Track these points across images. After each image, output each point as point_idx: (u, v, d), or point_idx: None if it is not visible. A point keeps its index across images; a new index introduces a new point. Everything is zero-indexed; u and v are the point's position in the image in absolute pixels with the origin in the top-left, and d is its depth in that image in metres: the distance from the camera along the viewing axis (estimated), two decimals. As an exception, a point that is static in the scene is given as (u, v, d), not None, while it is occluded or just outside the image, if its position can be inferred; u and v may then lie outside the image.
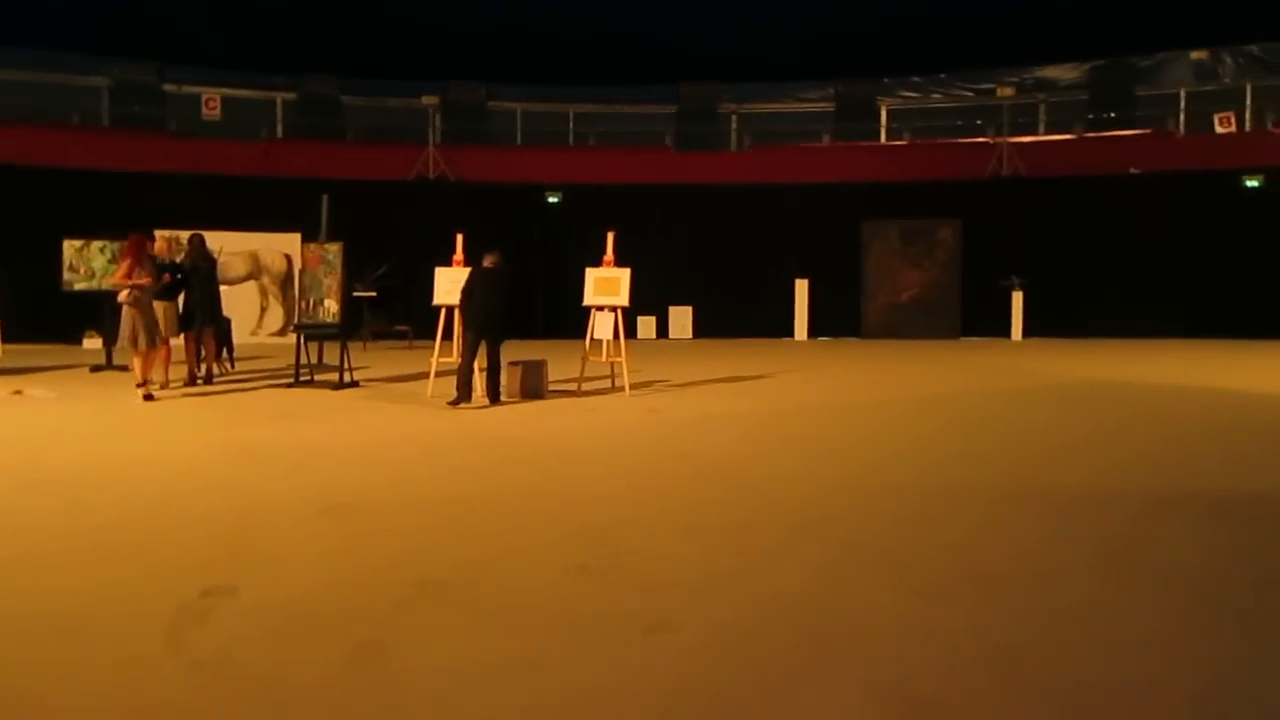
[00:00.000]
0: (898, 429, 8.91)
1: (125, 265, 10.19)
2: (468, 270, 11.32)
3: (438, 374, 11.44)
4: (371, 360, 15.27)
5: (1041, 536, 5.32)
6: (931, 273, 20.90)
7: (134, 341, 10.07)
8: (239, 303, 18.35)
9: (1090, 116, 22.38)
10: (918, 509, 5.88)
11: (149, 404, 10.19)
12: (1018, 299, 20.47)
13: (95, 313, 14.70)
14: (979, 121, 22.97)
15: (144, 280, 10.15)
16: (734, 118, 23.66)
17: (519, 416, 9.77)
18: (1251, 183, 19.88)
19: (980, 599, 4.33)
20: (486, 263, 10.39)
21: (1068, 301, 20.56)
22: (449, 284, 11.30)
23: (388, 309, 19.07)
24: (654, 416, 9.72)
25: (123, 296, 10.14)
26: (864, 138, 23.13)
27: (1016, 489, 6.48)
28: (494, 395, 10.25)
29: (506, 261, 10.50)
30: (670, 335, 21.02)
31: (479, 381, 10.41)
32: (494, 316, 10.14)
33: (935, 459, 7.46)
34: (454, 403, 9.97)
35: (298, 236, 17.55)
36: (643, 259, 17.74)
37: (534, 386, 10.97)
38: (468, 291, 10.16)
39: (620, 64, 23.94)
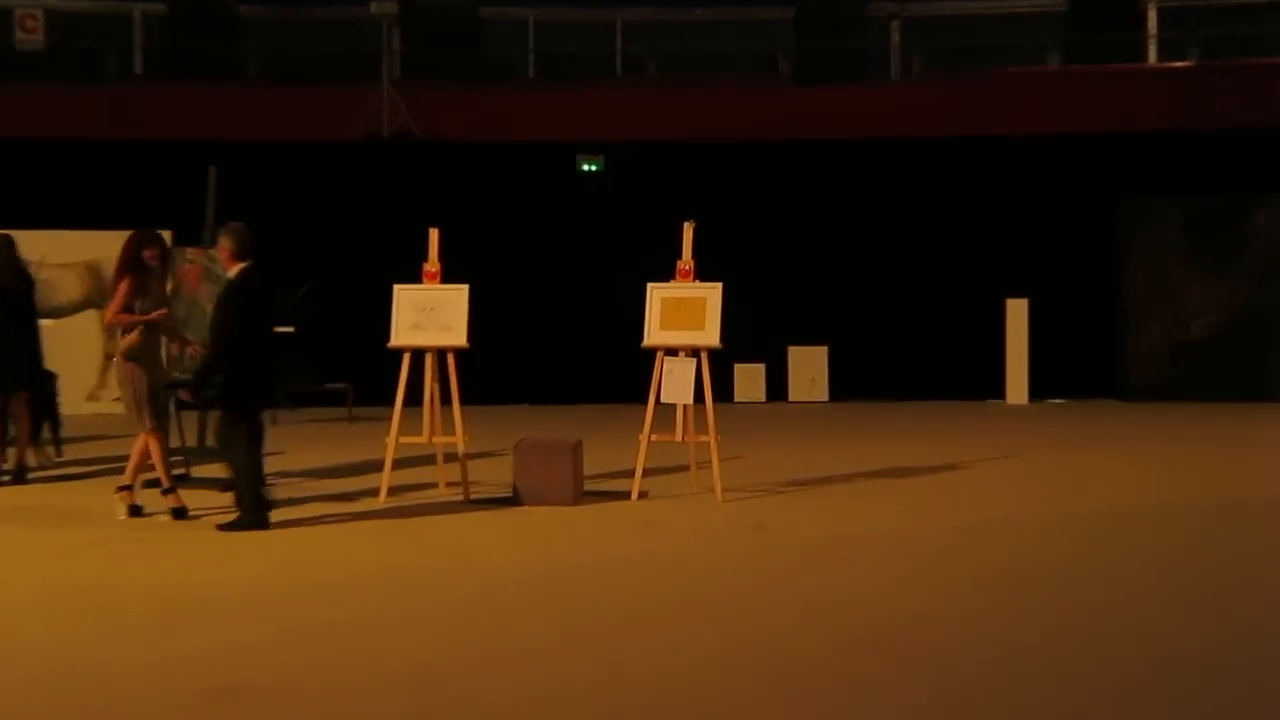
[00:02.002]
0: (1214, 560, 8.80)
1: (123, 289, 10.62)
2: (441, 290, 11.53)
3: (395, 464, 11.59)
4: (289, 440, 15.46)
5: None
6: (1242, 287, 20.66)
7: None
8: (70, 346, 18.67)
9: None
10: None
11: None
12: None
13: None
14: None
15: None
16: (894, 28, 23.70)
17: (531, 536, 9.84)
18: None
19: None
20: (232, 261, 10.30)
21: None
22: (415, 312, 11.50)
23: (312, 355, 19.33)
24: (760, 538, 9.73)
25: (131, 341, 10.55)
26: (1120, 58, 23.05)
27: None
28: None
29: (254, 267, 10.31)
30: (790, 396, 21.05)
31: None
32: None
33: None
34: (243, 524, 10.00)
35: (166, 236, 17.84)
36: (741, 268, 17.81)
37: (558, 483, 11.05)
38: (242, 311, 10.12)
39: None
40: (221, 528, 9.90)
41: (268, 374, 10.13)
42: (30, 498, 11.76)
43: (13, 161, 20.02)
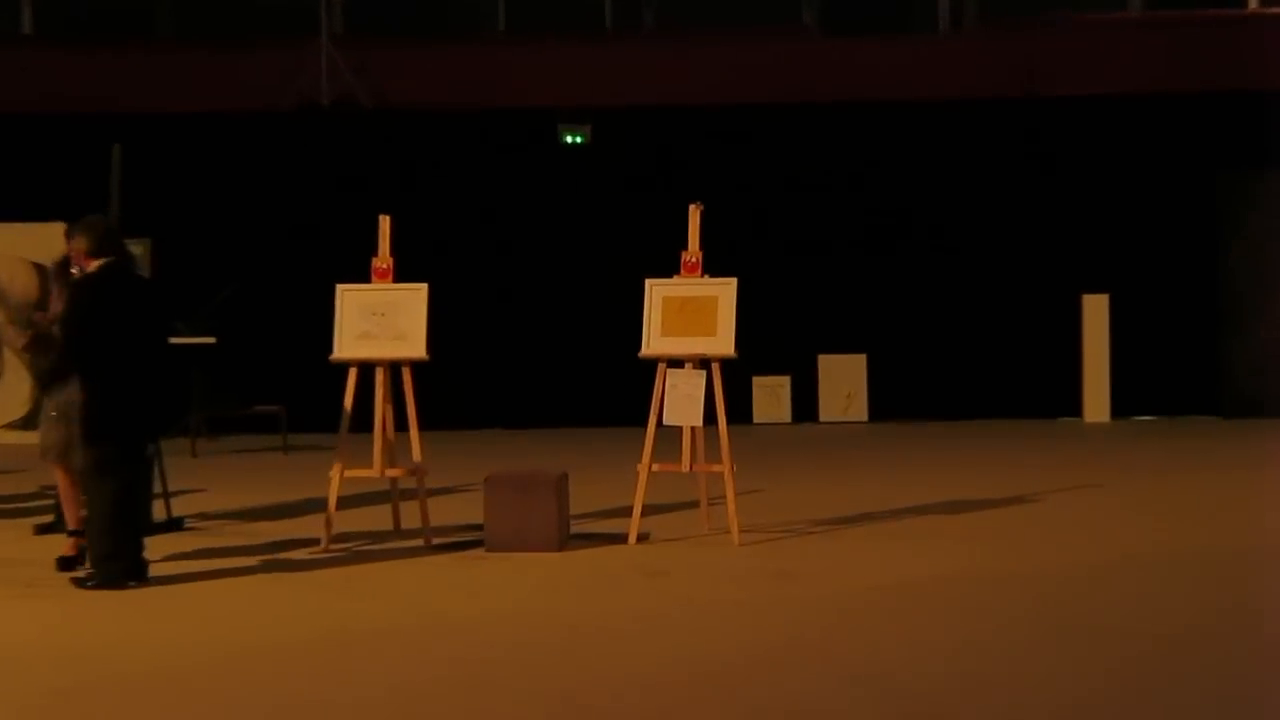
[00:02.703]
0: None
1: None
2: (394, 290, 11.48)
3: (340, 502, 11.53)
4: (210, 475, 15.41)
5: None
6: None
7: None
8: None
9: None
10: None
11: None
12: None
13: None
14: None
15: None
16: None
17: (506, 591, 9.79)
18: None
19: None
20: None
21: None
22: (364, 318, 11.46)
23: (237, 372, 19.30)
24: (787, 590, 9.67)
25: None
26: (1216, 2, 23.00)
27: None
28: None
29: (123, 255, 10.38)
30: (822, 416, 21.05)
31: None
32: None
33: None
34: (90, 580, 9.93)
35: (58, 229, 17.71)
36: (760, 261, 17.74)
37: (539, 525, 10.99)
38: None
39: None
40: (75, 582, 9.90)
41: (145, 395, 9.99)
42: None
43: None
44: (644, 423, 11.37)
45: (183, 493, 13.48)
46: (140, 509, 10.42)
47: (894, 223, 21.06)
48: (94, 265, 9.99)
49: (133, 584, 9.76)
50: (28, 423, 17.95)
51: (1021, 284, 20.84)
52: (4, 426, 19.69)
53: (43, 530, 11.82)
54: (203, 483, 14.55)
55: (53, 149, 19.51)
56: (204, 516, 12.75)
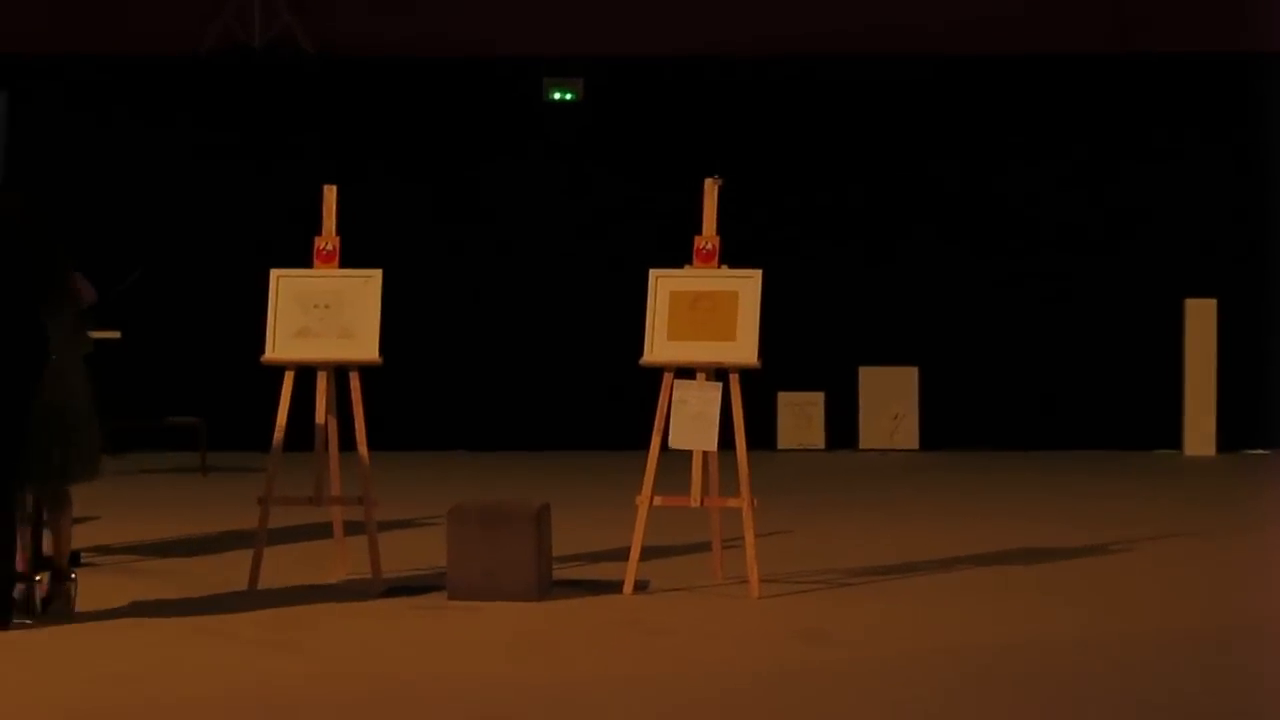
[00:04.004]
0: None
1: None
2: (340, 278, 11.48)
3: (270, 536, 11.52)
4: (113, 499, 15.34)
5: None
6: None
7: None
8: None
9: None
10: None
11: None
12: None
13: None
14: None
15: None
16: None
17: (472, 649, 9.80)
18: None
19: None
20: None
21: None
22: (303, 310, 11.51)
23: (145, 374, 19.29)
24: (816, 655, 9.67)
25: None
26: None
27: None
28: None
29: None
30: (862, 442, 21.14)
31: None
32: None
33: None
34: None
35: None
36: (790, 251, 17.74)
37: (514, 568, 10.97)
38: None
39: None
40: None
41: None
42: None
43: None
44: (644, 446, 11.35)
45: (80, 520, 13.42)
46: None
47: (955, 207, 21.13)
48: None
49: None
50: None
51: (1109, 284, 20.89)
52: None
53: None
54: (103, 509, 14.50)
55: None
56: (103, 550, 12.77)
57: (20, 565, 10.44)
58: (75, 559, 12.15)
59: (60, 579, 10.31)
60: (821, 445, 20.90)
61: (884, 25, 21.51)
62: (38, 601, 10.22)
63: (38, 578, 10.33)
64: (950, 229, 20.97)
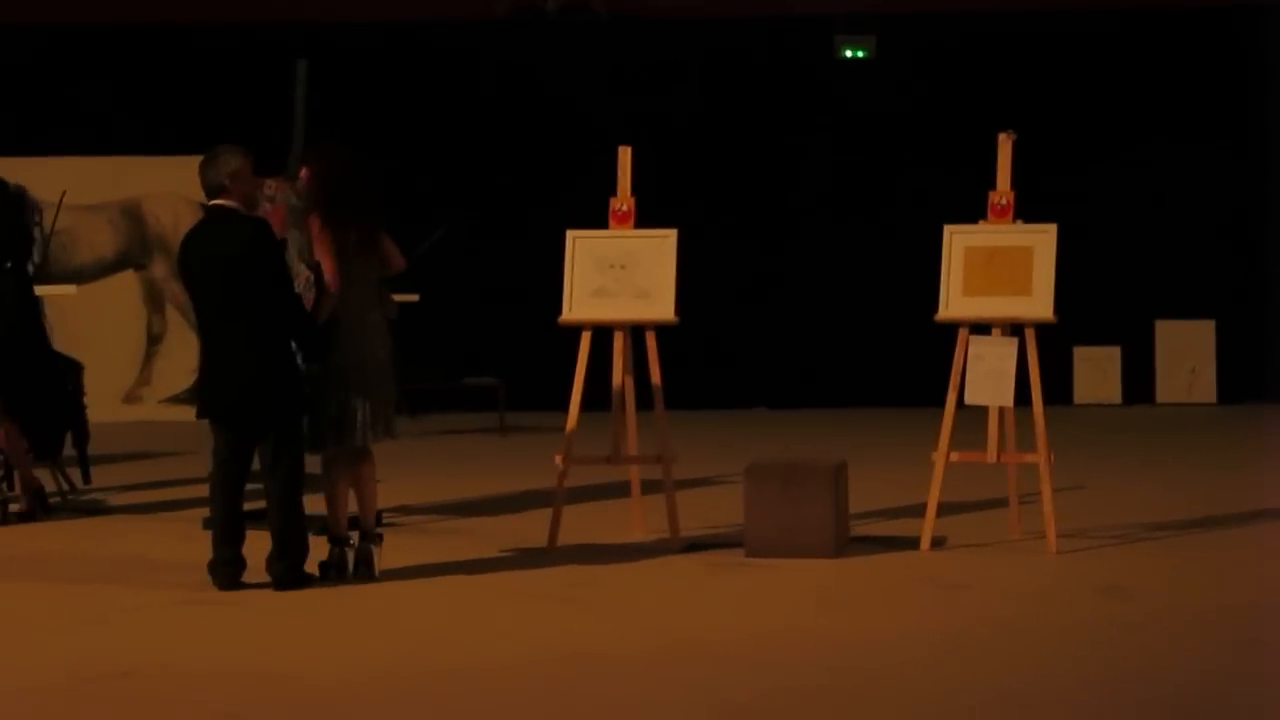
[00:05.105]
0: None
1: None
2: (636, 238, 11.54)
3: (569, 495, 11.61)
4: (411, 458, 15.56)
5: None
6: None
7: None
8: (102, 323, 19.10)
9: None
10: None
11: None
12: None
13: None
14: None
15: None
16: None
17: (774, 606, 9.81)
18: None
19: None
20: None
21: None
22: (599, 271, 11.57)
23: (441, 338, 19.50)
24: (1118, 611, 9.58)
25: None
26: None
27: None
28: (286, 562, 10.22)
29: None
30: (1159, 396, 20.96)
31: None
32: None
33: None
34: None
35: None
36: (1083, 204, 17.52)
37: (813, 526, 10.95)
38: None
39: None
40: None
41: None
42: (42, 540, 12.11)
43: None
44: (940, 402, 11.30)
45: (380, 481, 13.62)
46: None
47: (1252, 148, 20.73)
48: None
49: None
50: (195, 396, 18.47)
51: None
52: (166, 401, 20.22)
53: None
54: (404, 469, 14.69)
55: (223, 67, 19.92)
56: (405, 510, 12.94)
57: (341, 527, 10.66)
58: (378, 519, 12.40)
59: (367, 540, 10.44)
60: (1118, 400, 20.70)
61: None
62: (350, 562, 10.37)
63: (350, 540, 10.52)
64: (1251, 182, 20.60)
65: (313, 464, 10.40)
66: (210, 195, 10.12)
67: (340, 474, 10.41)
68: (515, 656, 8.58)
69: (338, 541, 10.38)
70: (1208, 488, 13.91)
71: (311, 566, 10.17)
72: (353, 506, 10.58)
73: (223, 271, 10.07)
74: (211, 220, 10.24)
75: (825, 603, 9.82)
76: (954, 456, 11.25)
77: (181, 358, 20.00)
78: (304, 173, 10.62)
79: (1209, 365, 20.76)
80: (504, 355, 18.98)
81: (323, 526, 10.70)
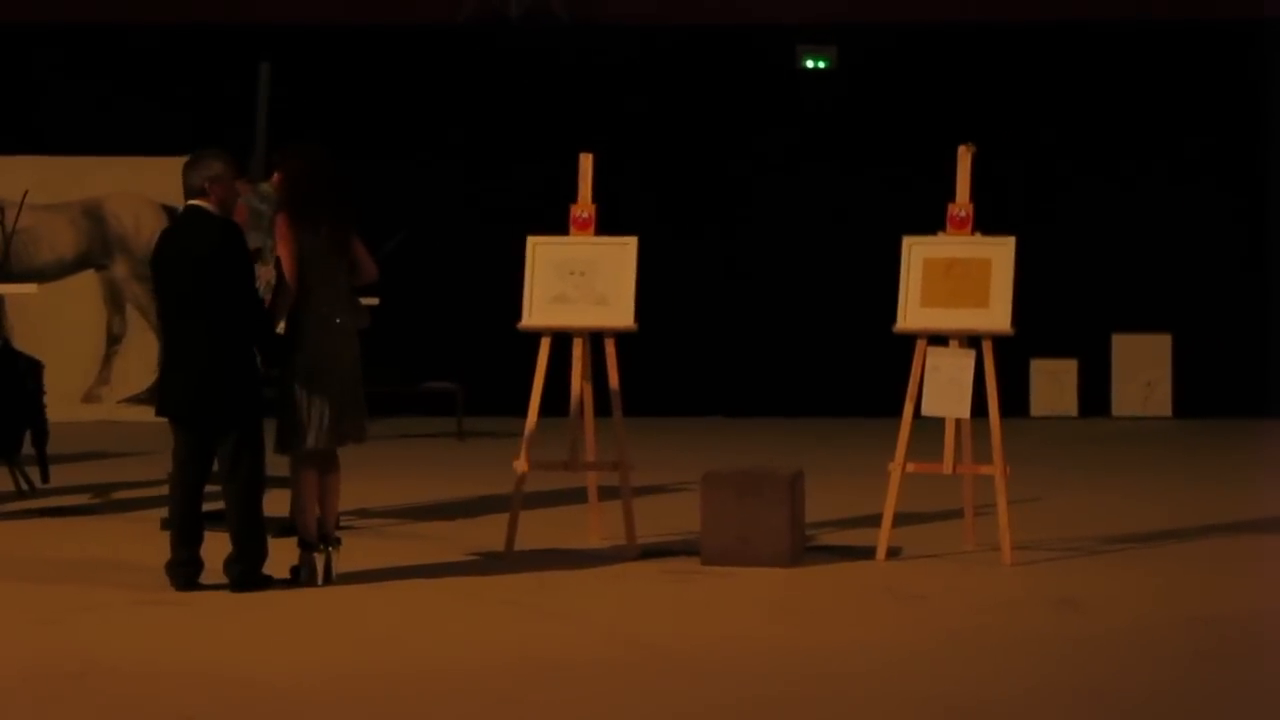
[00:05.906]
0: None
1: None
2: (596, 244, 11.54)
3: (526, 501, 11.61)
4: (368, 462, 15.49)
5: None
6: None
7: None
8: (62, 322, 19.05)
9: None
10: None
11: None
12: None
13: None
14: None
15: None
16: None
17: (729, 614, 9.79)
18: None
19: None
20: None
21: None
22: (559, 277, 11.54)
23: (399, 342, 19.41)
24: (1073, 624, 9.58)
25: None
26: None
27: None
28: (243, 564, 10.20)
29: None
30: (1115, 409, 20.96)
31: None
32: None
33: None
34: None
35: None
36: (1041, 217, 17.55)
37: (768, 535, 10.95)
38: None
39: None
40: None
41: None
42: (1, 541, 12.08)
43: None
44: (897, 413, 11.33)
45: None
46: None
47: (1207, 164, 20.79)
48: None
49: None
50: (154, 396, 18.43)
51: None
52: (125, 400, 20.17)
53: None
54: (361, 474, 14.64)
55: (187, 68, 19.89)
56: (363, 514, 12.93)
57: (310, 532, 10.61)
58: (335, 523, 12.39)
59: (326, 543, 10.40)
60: (1074, 412, 20.73)
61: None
62: (319, 567, 10.33)
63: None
64: (1203, 194, 20.64)
65: (275, 466, 10.39)
66: (189, 196, 10.16)
67: (308, 479, 10.37)
68: (471, 661, 8.58)
69: (307, 546, 10.34)
70: (1163, 501, 13.95)
71: (269, 569, 10.13)
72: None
73: (189, 270, 10.09)
74: (184, 220, 10.35)
75: (780, 612, 9.85)
76: (910, 467, 11.25)
77: (141, 358, 20.00)
78: (275, 175, 10.64)
79: (1165, 379, 20.78)
80: (463, 360, 18.94)
81: (282, 528, 10.72)
